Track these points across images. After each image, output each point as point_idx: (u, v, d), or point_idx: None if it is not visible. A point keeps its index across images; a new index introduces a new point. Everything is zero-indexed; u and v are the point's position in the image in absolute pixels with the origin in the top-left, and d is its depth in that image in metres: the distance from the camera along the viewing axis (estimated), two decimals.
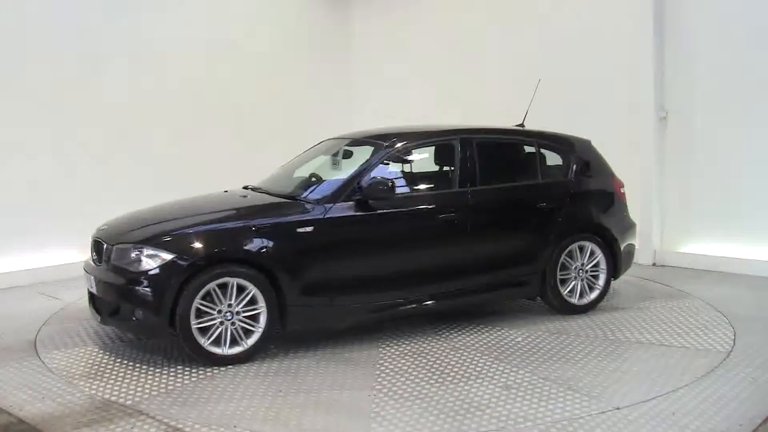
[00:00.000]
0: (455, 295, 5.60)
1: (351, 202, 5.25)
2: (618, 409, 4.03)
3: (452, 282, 5.58)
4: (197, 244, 4.84)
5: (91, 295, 5.27)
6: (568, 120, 7.69)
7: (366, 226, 5.35)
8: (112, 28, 8.29)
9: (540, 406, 4.10)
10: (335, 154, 6.28)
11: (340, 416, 4.04)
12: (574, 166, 6.25)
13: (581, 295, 6.07)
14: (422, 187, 6.05)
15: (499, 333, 5.55)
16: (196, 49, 9.11)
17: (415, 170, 6.04)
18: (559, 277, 5.95)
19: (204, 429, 3.86)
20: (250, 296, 4.85)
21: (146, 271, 4.77)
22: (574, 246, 6.03)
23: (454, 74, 9.88)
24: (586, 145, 6.46)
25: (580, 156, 6.32)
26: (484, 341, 5.35)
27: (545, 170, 6.24)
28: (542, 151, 6.24)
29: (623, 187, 6.50)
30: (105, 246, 5.11)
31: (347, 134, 6.49)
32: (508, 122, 6.67)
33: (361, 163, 5.52)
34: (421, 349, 5.18)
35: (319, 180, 5.87)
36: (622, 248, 6.24)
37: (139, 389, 4.46)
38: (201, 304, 4.74)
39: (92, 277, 5.16)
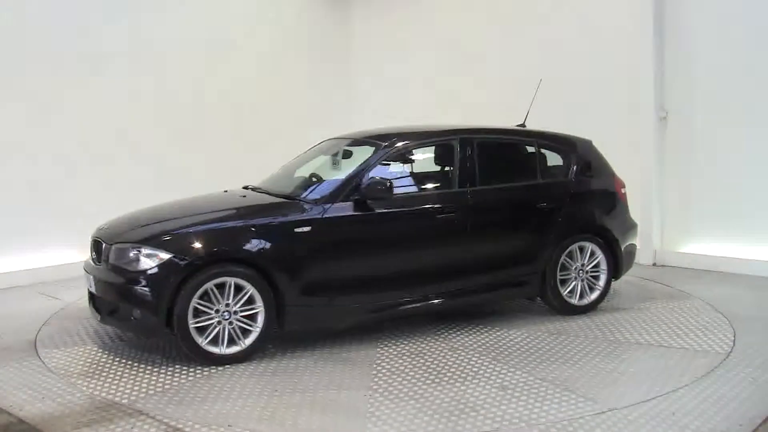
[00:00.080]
0: (455, 295, 5.60)
1: (349, 202, 5.24)
2: (612, 410, 4.01)
3: (452, 282, 5.57)
4: (195, 244, 4.84)
5: (91, 295, 5.28)
6: (568, 120, 7.69)
7: (364, 226, 5.35)
8: (112, 28, 8.30)
9: (535, 407, 4.09)
10: (335, 154, 6.28)
11: (335, 416, 4.04)
12: (575, 166, 6.24)
13: (581, 296, 6.06)
14: (422, 187, 6.04)
15: (498, 333, 5.54)
16: (196, 49, 9.12)
17: (414, 170, 6.03)
18: (559, 277, 5.94)
19: (203, 429, 3.85)
20: (247, 296, 4.85)
21: (144, 271, 4.78)
22: (575, 246, 6.02)
23: (454, 74, 9.87)
24: (588, 145, 6.44)
25: (581, 156, 6.31)
26: (483, 341, 5.34)
27: (545, 170, 6.23)
28: (543, 151, 6.23)
29: (624, 187, 6.49)
30: (104, 245, 5.13)
31: (347, 134, 6.49)
32: (508, 122, 6.67)
33: (360, 163, 5.52)
34: (419, 349, 5.18)
35: (319, 180, 5.87)
36: (623, 248, 6.23)
37: (136, 388, 4.47)
38: (199, 304, 4.74)
39: (92, 277, 5.17)
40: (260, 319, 4.89)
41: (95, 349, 5.28)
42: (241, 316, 4.86)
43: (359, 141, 6.10)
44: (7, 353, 5.21)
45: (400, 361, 4.92)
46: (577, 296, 6.04)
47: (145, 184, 8.30)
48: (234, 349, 4.86)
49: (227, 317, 4.82)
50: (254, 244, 4.94)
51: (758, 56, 7.33)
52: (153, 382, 4.57)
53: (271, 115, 9.84)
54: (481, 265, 5.69)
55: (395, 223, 5.46)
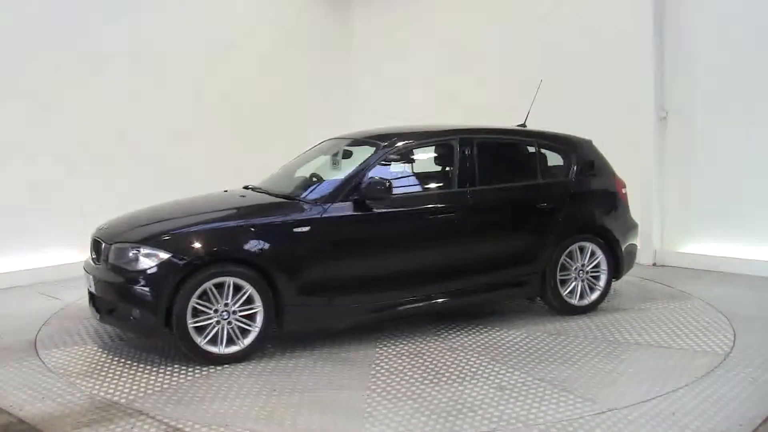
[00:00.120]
0: (455, 295, 5.60)
1: (349, 202, 5.24)
2: (611, 410, 4.00)
3: (452, 282, 5.57)
4: (194, 244, 4.84)
5: (91, 294, 5.28)
6: (568, 120, 7.68)
7: (364, 226, 5.35)
8: (112, 28, 8.30)
9: (533, 408, 4.09)
10: (335, 154, 6.28)
11: (334, 416, 4.04)
12: (575, 167, 6.24)
13: (581, 296, 6.05)
14: (421, 187, 6.03)
15: (498, 333, 5.54)
16: (196, 49, 9.11)
17: (414, 170, 6.03)
18: (559, 277, 5.93)
19: (202, 428, 3.85)
20: (246, 296, 4.85)
21: (144, 270, 4.79)
22: (575, 246, 6.01)
23: (454, 74, 9.87)
24: (588, 145, 6.44)
25: (582, 156, 6.30)
26: (482, 342, 5.34)
27: (546, 170, 6.23)
28: (543, 151, 6.23)
29: (625, 187, 6.49)
30: (103, 245, 5.13)
31: (347, 134, 6.49)
32: (508, 122, 6.66)
33: (360, 163, 5.52)
34: (418, 349, 5.18)
35: (320, 180, 5.87)
36: (623, 248, 6.22)
37: (135, 388, 4.47)
38: (198, 304, 4.74)
39: (91, 277, 5.17)
40: (259, 318, 4.89)
41: (95, 348, 5.28)
42: (240, 316, 4.86)
43: (359, 141, 6.09)
44: (7, 353, 5.21)
45: (399, 361, 4.92)
46: (577, 296, 6.04)
47: (145, 184, 8.30)
48: (233, 348, 4.86)
49: (226, 317, 4.82)
50: (253, 244, 4.94)
51: (758, 56, 7.33)
52: (152, 382, 4.57)
53: (271, 115, 9.84)
54: (481, 265, 5.69)
55: (395, 223, 5.45)
